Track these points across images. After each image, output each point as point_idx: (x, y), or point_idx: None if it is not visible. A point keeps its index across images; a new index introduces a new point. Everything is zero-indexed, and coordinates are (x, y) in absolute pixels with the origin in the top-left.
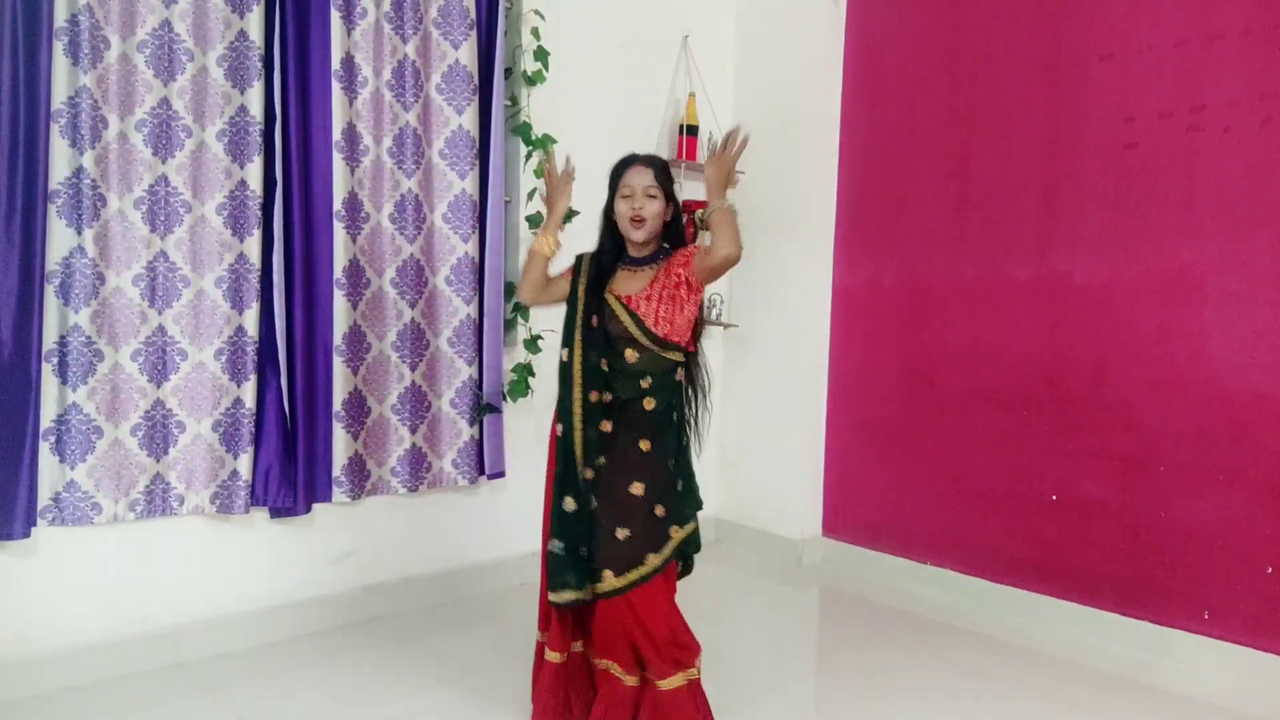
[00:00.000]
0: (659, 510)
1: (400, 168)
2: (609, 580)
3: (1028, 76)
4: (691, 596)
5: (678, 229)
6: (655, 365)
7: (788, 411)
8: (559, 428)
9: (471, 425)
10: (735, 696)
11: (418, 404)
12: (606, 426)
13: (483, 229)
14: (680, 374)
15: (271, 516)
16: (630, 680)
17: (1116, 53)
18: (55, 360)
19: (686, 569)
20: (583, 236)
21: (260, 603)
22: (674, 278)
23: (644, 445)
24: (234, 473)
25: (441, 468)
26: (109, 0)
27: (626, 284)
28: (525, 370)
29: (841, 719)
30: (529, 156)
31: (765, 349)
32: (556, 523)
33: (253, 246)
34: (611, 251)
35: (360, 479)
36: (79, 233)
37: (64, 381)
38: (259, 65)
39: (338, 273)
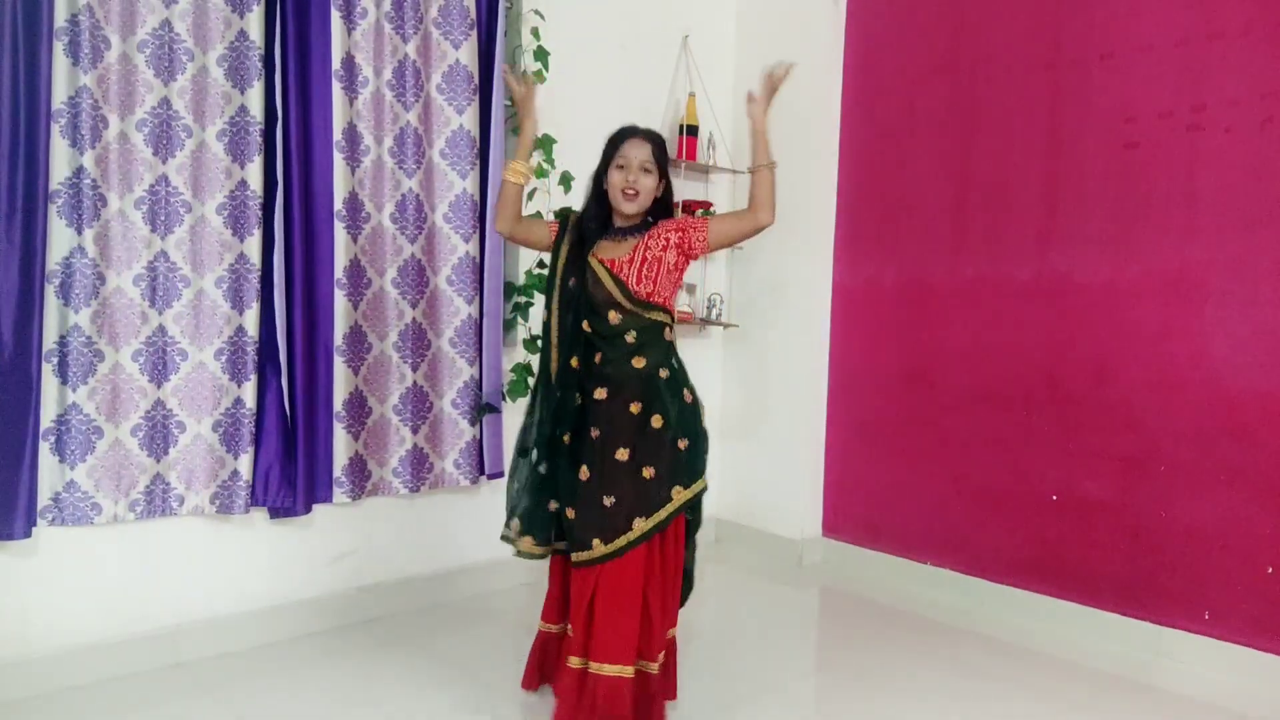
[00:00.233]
0: (647, 472)
1: (401, 167)
2: (597, 548)
3: (1028, 76)
4: (692, 596)
5: (667, 207)
6: (639, 323)
7: (788, 411)
8: (539, 388)
9: (473, 425)
10: (735, 696)
11: (419, 404)
12: (601, 394)
13: (483, 229)
14: (669, 334)
15: (271, 517)
16: (574, 662)
17: (1117, 52)
18: (55, 360)
19: (686, 589)
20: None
21: (260, 603)
22: (660, 241)
23: (634, 409)
24: (234, 473)
25: (443, 468)
26: (109, 0)
27: (610, 249)
28: (525, 370)
29: (841, 719)
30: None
31: (765, 349)
32: (533, 477)
33: (253, 246)
34: (597, 219)
35: (361, 479)
36: (79, 233)
37: (64, 381)
38: (259, 65)
39: (339, 273)
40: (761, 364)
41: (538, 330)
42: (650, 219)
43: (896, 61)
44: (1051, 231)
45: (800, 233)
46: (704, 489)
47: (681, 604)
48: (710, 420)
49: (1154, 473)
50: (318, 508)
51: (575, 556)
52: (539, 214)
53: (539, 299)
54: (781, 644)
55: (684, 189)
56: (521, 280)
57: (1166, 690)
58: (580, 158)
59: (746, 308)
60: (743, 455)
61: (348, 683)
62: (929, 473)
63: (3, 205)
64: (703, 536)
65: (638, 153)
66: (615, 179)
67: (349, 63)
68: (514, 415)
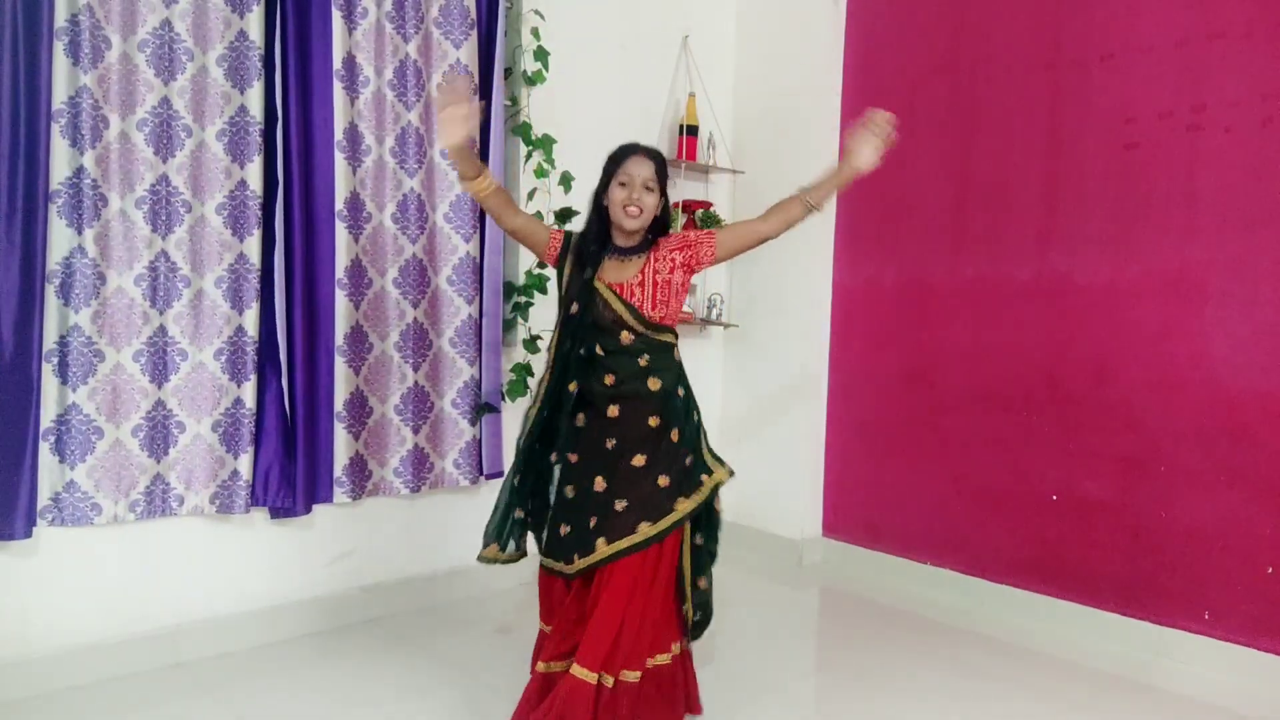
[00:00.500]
0: (662, 480)
1: (403, 167)
2: (600, 549)
3: (1028, 76)
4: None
5: (664, 226)
6: (650, 346)
7: (788, 411)
8: (540, 410)
9: (472, 425)
10: (735, 696)
11: (420, 404)
12: (614, 411)
13: (483, 229)
14: (677, 353)
15: (272, 517)
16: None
17: (1117, 53)
18: (55, 360)
19: (704, 621)
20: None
21: (260, 603)
22: (667, 263)
23: (653, 422)
24: (234, 473)
25: (444, 468)
26: (109, 0)
27: (616, 272)
28: (524, 370)
29: (841, 719)
30: (529, 156)
31: (765, 349)
32: (504, 486)
33: (253, 246)
34: (597, 239)
35: (361, 479)
36: (79, 232)
37: (64, 382)
38: (259, 65)
39: (339, 272)
40: (761, 364)
41: (537, 330)
42: (650, 236)
43: (896, 61)
44: (1051, 232)
45: (800, 233)
46: (701, 503)
47: (696, 636)
48: (710, 420)
49: (1154, 473)
50: (318, 508)
51: (580, 562)
52: (539, 214)
53: (539, 299)
54: (781, 644)
55: (684, 189)
56: (521, 280)
57: (1166, 690)
58: (580, 158)
59: (746, 308)
60: (743, 455)
61: (348, 683)
62: (929, 473)
63: (3, 205)
64: None
65: (641, 170)
66: (618, 196)
67: (350, 62)
68: (513, 415)
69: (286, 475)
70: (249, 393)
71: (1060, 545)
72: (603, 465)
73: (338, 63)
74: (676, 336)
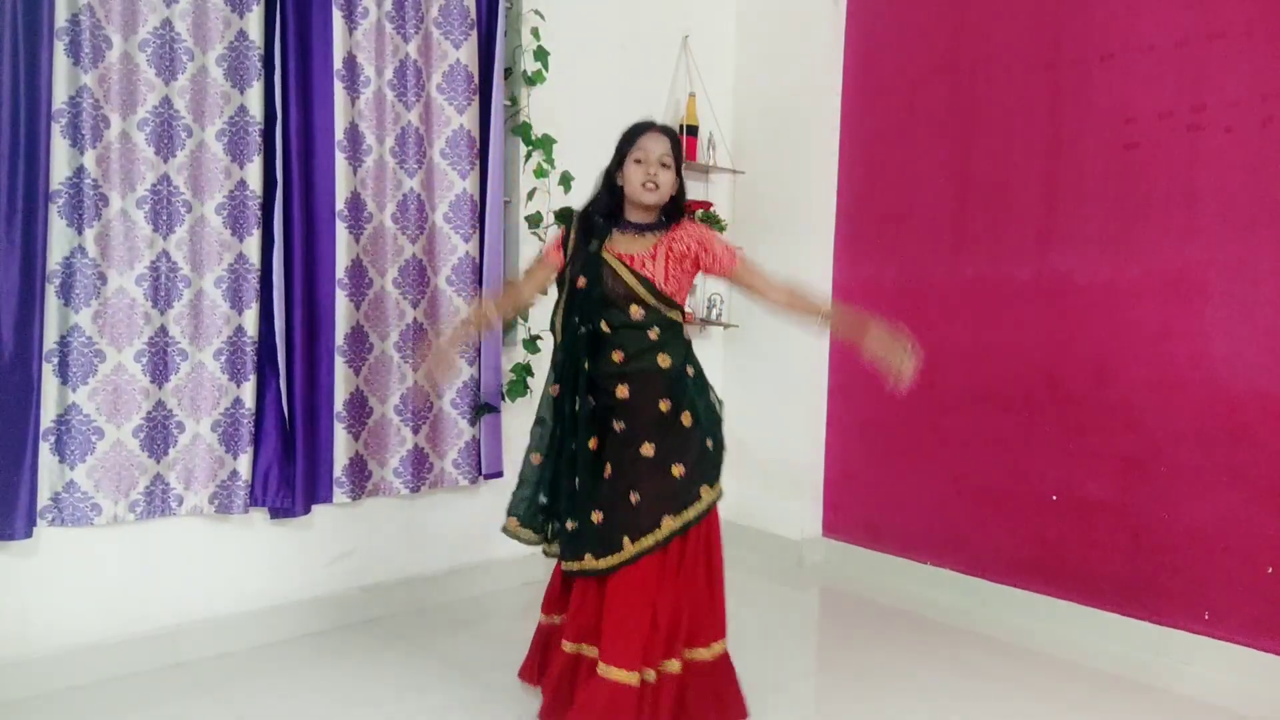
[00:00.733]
0: (676, 470)
1: (402, 167)
2: (627, 548)
3: (1028, 76)
4: None
5: (679, 207)
6: (660, 320)
7: (788, 411)
8: (555, 388)
9: (472, 425)
10: None
11: (420, 404)
12: (623, 391)
13: (482, 229)
14: (686, 333)
15: (272, 517)
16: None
17: (1117, 52)
18: (56, 360)
19: None
20: None
21: (260, 603)
22: (682, 246)
23: (663, 406)
24: (234, 473)
25: (443, 468)
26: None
27: (628, 245)
28: (524, 370)
29: (841, 719)
30: (529, 156)
31: (765, 349)
32: (540, 475)
33: (252, 246)
34: (606, 212)
35: (361, 479)
36: (80, 232)
37: (64, 382)
38: (259, 65)
39: (340, 273)
40: (761, 364)
41: (537, 330)
42: (664, 218)
43: (896, 61)
44: (1052, 232)
45: (800, 233)
46: (720, 495)
47: None
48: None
49: (1154, 473)
50: (317, 508)
51: (605, 561)
52: (538, 214)
53: (539, 299)
54: (781, 644)
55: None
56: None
57: (1167, 690)
58: (580, 157)
59: (747, 308)
60: (743, 455)
61: (348, 683)
62: (929, 473)
63: (3, 205)
64: None
65: (656, 146)
66: (634, 173)
67: (350, 62)
68: (513, 415)
69: (285, 475)
70: (248, 393)
71: (1060, 545)
72: (611, 452)
73: (338, 62)
74: (684, 316)
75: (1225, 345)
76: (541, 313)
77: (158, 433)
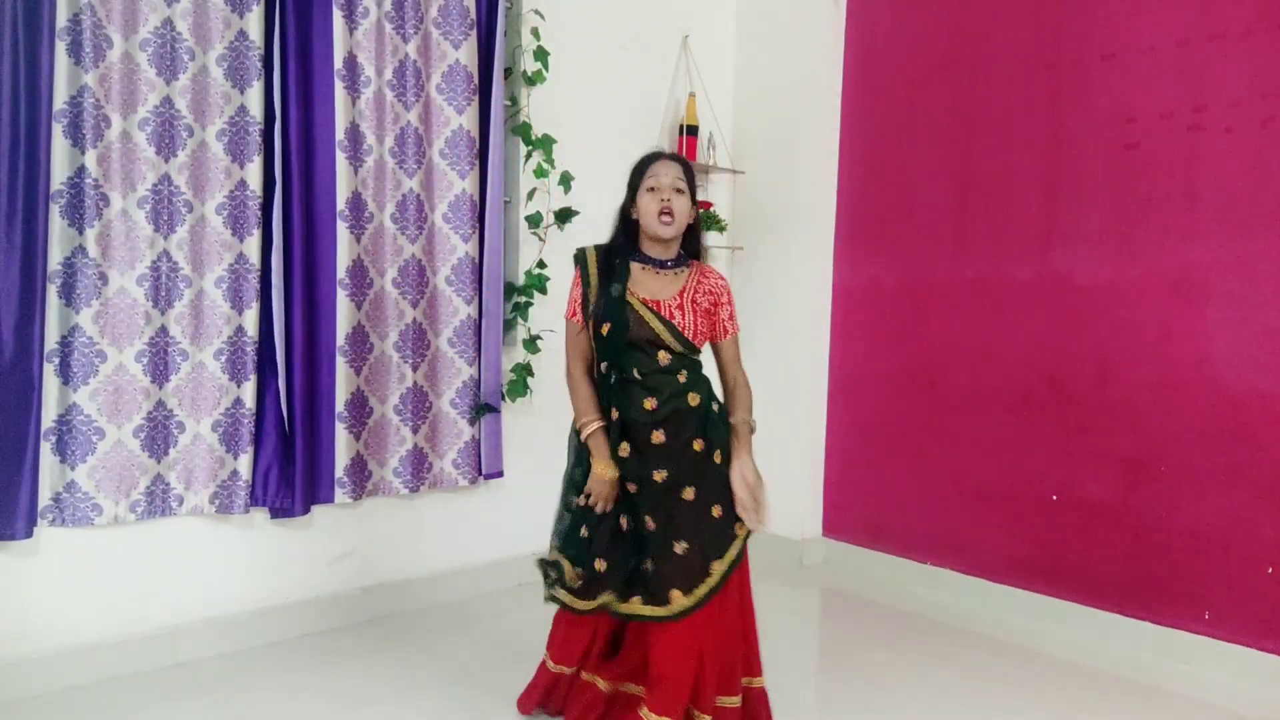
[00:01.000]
0: (715, 511)
1: (402, 167)
2: (676, 600)
3: (1029, 76)
4: None
5: (697, 236)
6: (686, 364)
7: (788, 411)
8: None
9: (472, 425)
10: None
11: (419, 404)
12: (659, 437)
13: (482, 229)
14: (702, 367)
15: (273, 517)
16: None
17: (1118, 52)
18: (57, 360)
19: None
20: (582, 239)
21: (260, 603)
22: (706, 304)
23: (697, 446)
24: (234, 473)
25: (442, 468)
26: None
27: (652, 287)
28: (524, 370)
29: (841, 719)
30: (529, 156)
31: (765, 349)
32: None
33: (252, 246)
34: (622, 249)
35: (362, 479)
36: (81, 233)
37: (65, 382)
38: (259, 65)
39: (341, 273)
40: (762, 364)
41: (538, 330)
42: (684, 254)
43: (896, 61)
44: (1052, 232)
45: (800, 233)
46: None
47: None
48: None
49: (1155, 473)
50: (317, 508)
51: (654, 611)
52: (538, 214)
53: (539, 299)
54: (781, 644)
55: None
56: (521, 280)
57: (1167, 690)
58: (580, 158)
59: (746, 308)
60: None
61: (348, 683)
62: (930, 473)
63: (4, 205)
64: None
65: (668, 171)
66: (648, 204)
67: (351, 62)
68: (513, 415)
69: (285, 475)
70: (249, 393)
71: (1061, 545)
72: (653, 503)
73: (339, 62)
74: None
75: (1226, 345)
76: (542, 312)
77: (158, 433)
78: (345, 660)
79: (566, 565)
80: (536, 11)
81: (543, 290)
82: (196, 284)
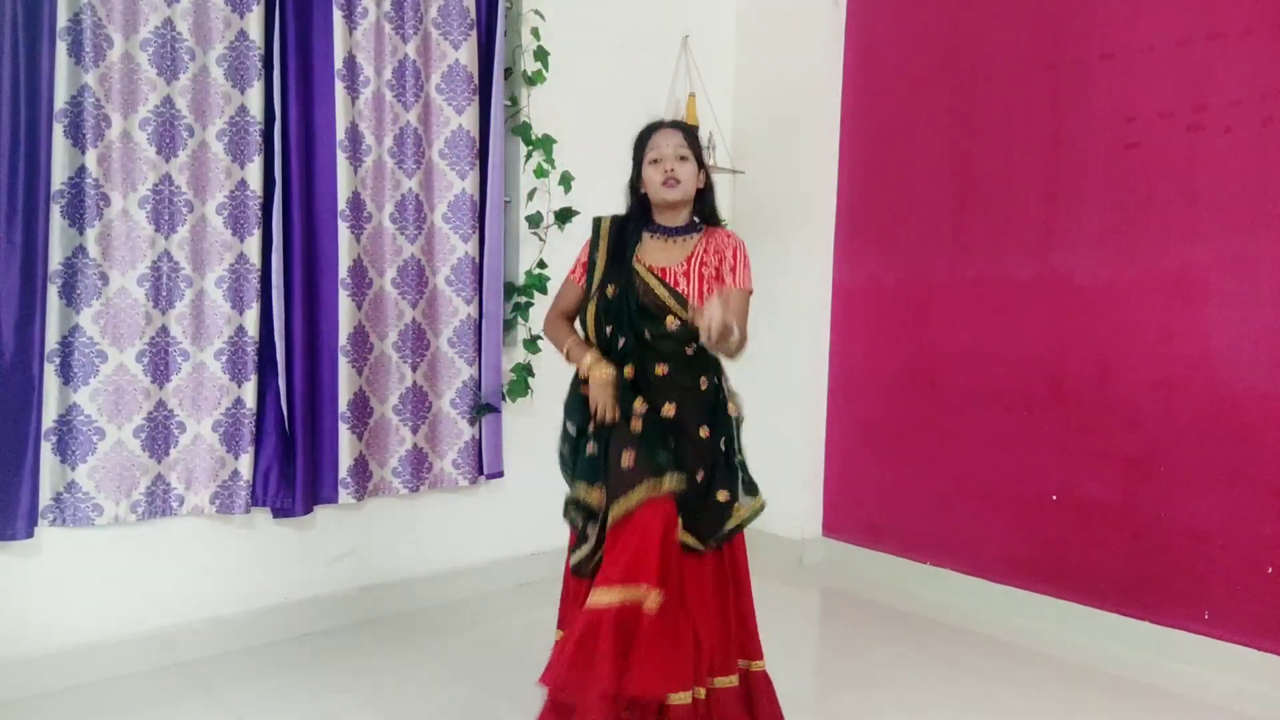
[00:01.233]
0: (721, 495)
1: (401, 167)
2: (642, 490)
3: (1028, 76)
4: None
5: (710, 201)
6: (693, 334)
7: (788, 411)
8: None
9: (472, 425)
10: None
11: (419, 404)
12: (670, 410)
13: (481, 229)
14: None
15: (274, 516)
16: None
17: (1118, 52)
18: (58, 361)
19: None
20: (582, 239)
21: (260, 603)
22: (714, 260)
23: (704, 433)
24: (234, 473)
25: (442, 468)
26: None
27: (659, 254)
28: (524, 370)
29: (841, 719)
30: (529, 156)
31: (765, 349)
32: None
33: (252, 246)
34: (637, 219)
35: (364, 480)
36: (81, 233)
37: (66, 382)
38: (259, 65)
39: (342, 273)
40: (761, 364)
41: (538, 330)
42: (696, 220)
43: (896, 61)
44: (1052, 232)
45: (800, 233)
46: (761, 506)
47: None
48: None
49: (1155, 473)
50: (318, 508)
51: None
52: (538, 214)
53: (539, 299)
54: (781, 644)
55: None
56: (521, 280)
57: (1167, 690)
58: (580, 158)
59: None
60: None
61: (347, 683)
62: (930, 473)
63: (4, 205)
64: None
65: (669, 140)
66: (652, 175)
67: (350, 62)
68: (513, 415)
69: (286, 475)
70: (249, 393)
71: (1061, 545)
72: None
73: (339, 62)
74: None
75: (1226, 345)
76: (542, 313)
77: (159, 433)
78: (345, 660)
79: (581, 486)
80: (536, 11)
81: (543, 290)
82: (197, 284)
